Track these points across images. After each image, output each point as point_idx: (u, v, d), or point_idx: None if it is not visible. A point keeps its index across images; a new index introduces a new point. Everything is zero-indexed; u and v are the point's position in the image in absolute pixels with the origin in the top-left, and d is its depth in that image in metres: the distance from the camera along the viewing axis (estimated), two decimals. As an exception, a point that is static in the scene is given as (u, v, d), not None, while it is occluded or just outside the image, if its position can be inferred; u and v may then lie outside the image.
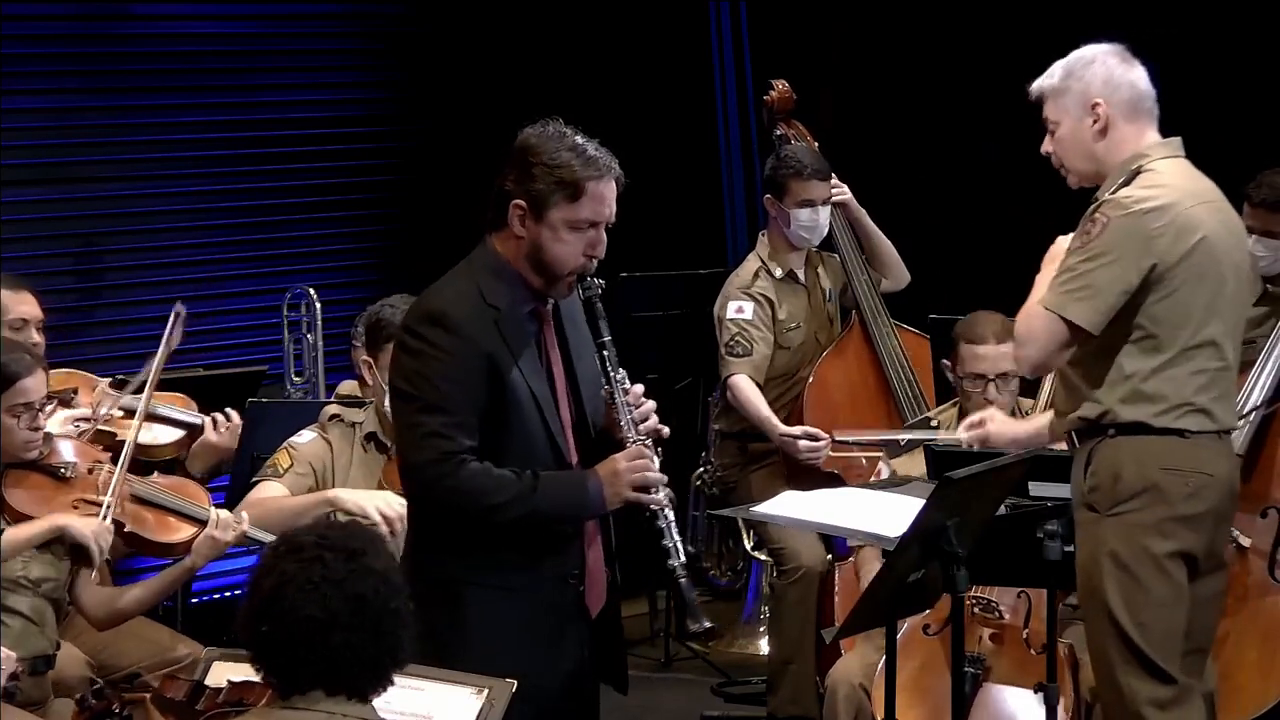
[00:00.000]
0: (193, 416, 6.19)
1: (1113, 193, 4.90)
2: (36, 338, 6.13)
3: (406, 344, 4.42)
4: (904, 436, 6.33)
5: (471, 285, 4.42)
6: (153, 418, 5.99)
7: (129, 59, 8.38)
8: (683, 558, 4.42)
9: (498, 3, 9.19)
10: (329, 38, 9.00)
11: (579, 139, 4.42)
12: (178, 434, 6.17)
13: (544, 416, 4.41)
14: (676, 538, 4.43)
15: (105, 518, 5.46)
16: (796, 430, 6.92)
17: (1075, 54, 5.04)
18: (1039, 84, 5.05)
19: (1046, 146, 5.06)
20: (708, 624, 4.47)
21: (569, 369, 4.51)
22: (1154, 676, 4.86)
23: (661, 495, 4.43)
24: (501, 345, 4.37)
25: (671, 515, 4.45)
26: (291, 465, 5.75)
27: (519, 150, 4.42)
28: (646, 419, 4.48)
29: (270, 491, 5.69)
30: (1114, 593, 4.86)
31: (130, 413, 5.84)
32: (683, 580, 4.41)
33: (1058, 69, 5.04)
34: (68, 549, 5.52)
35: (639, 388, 4.50)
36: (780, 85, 7.40)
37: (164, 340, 5.86)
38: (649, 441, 4.46)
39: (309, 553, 3.34)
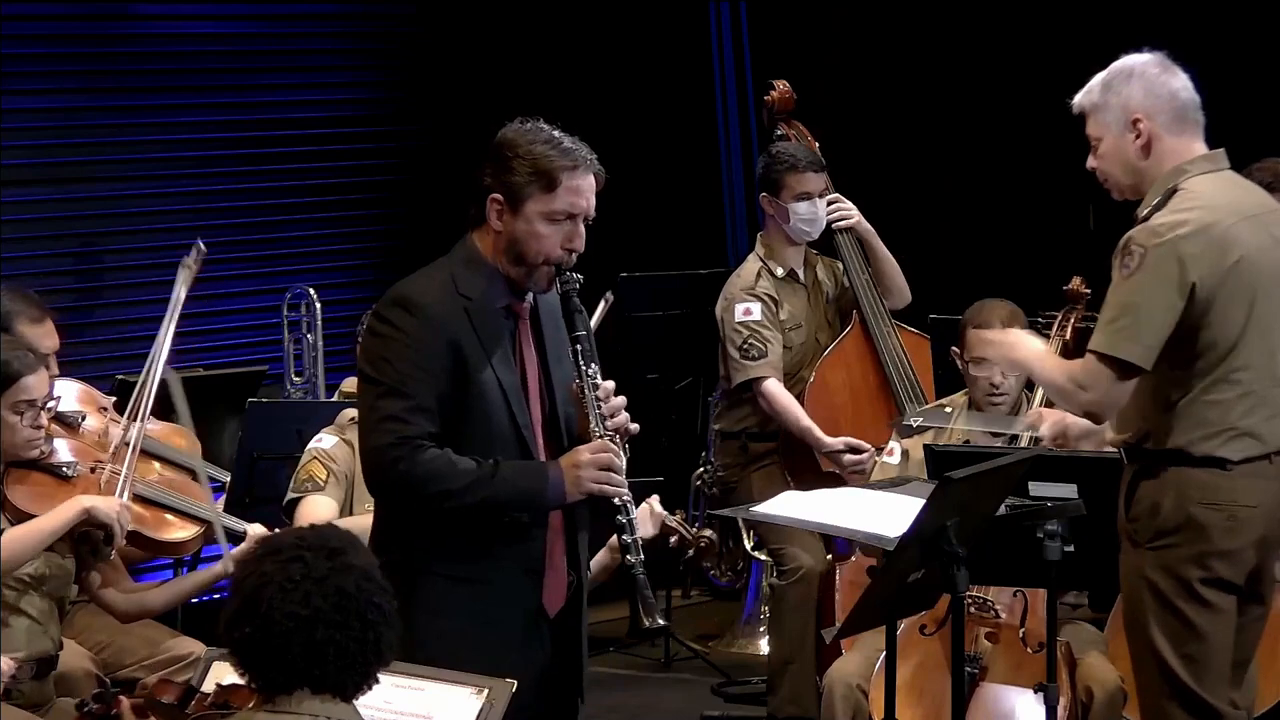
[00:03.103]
0: (192, 461, 5.99)
1: (1146, 217, 4.81)
2: (52, 369, 6.00)
3: (372, 327, 4.43)
4: (916, 420, 6.33)
5: (445, 274, 4.42)
6: (154, 456, 5.90)
7: (129, 59, 8.40)
8: (641, 555, 4.41)
9: (498, 3, 9.20)
10: (329, 38, 9.01)
11: (556, 133, 4.41)
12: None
13: (511, 409, 4.39)
14: (636, 535, 4.43)
15: (123, 494, 5.47)
16: (839, 443, 6.90)
17: (1114, 66, 4.92)
18: (1079, 100, 4.93)
19: (1091, 163, 4.94)
20: (661, 621, 4.46)
21: (544, 370, 4.50)
22: (1195, 711, 4.81)
23: (625, 490, 4.42)
24: (470, 333, 4.36)
25: (634, 512, 4.45)
26: (328, 476, 5.71)
27: (496, 145, 4.42)
28: (615, 414, 4.46)
29: (322, 507, 5.62)
30: (1156, 626, 4.81)
31: (142, 452, 5.76)
32: (640, 576, 4.40)
33: (1097, 84, 4.92)
34: (71, 545, 5.54)
35: (610, 384, 4.47)
36: (781, 85, 7.40)
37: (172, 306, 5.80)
38: (615, 438, 4.44)
39: (288, 553, 3.35)
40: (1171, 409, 4.79)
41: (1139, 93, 4.87)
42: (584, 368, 4.44)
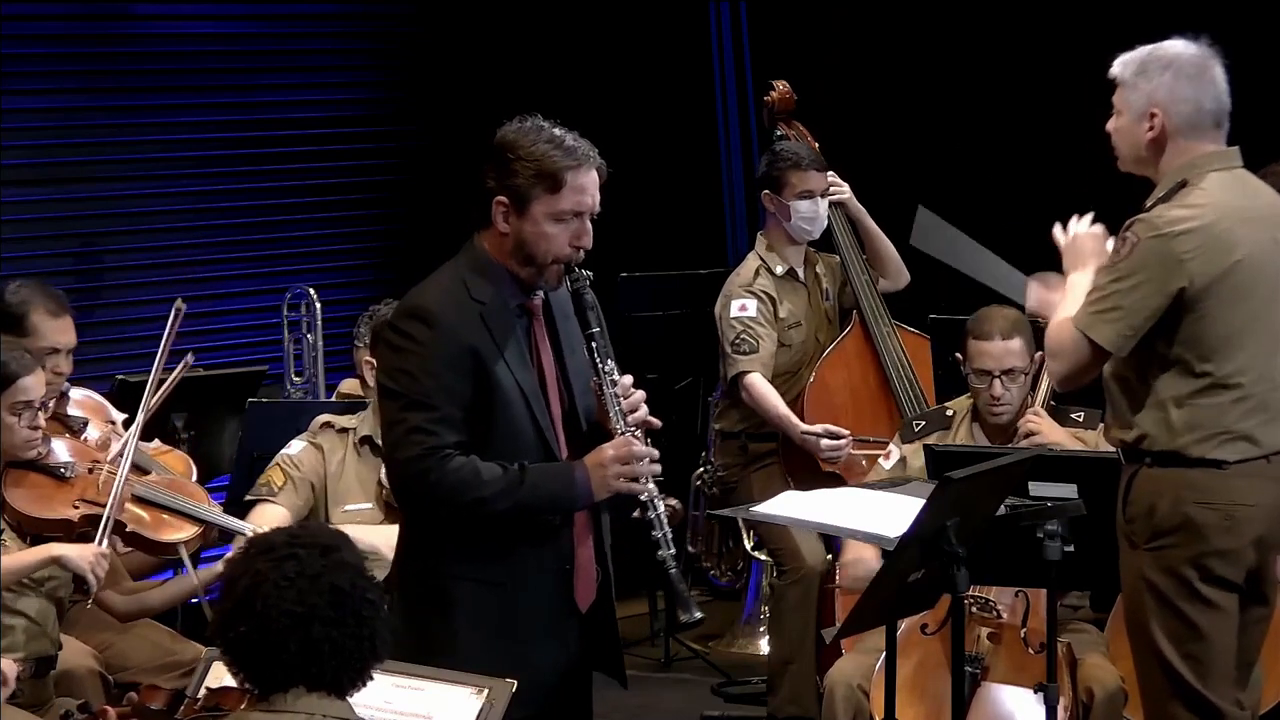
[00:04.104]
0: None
1: (1149, 208, 4.81)
2: (64, 367, 5.92)
3: (390, 340, 4.41)
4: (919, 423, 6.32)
5: (456, 281, 4.41)
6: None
7: (129, 59, 8.39)
8: (673, 549, 4.41)
9: (498, 3, 9.20)
10: (329, 38, 9.01)
11: (557, 130, 4.40)
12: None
13: (531, 410, 4.40)
14: (667, 529, 4.41)
15: (101, 542, 5.41)
16: (818, 429, 6.90)
17: (1158, 49, 4.88)
18: (1117, 66, 4.89)
19: (1109, 125, 4.93)
20: (698, 615, 4.44)
21: (560, 364, 4.50)
22: (1199, 711, 4.81)
23: (652, 486, 4.41)
24: (486, 338, 4.35)
25: (661, 507, 4.43)
26: (286, 483, 5.73)
27: (497, 147, 4.41)
28: (636, 409, 4.46)
29: (269, 516, 5.65)
30: (1157, 627, 4.81)
31: (135, 468, 5.74)
32: (673, 571, 4.40)
33: (1134, 60, 4.88)
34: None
35: (628, 379, 4.48)
36: (781, 86, 7.40)
37: (163, 344, 5.81)
38: (638, 432, 4.44)
39: (281, 551, 3.35)
40: (1166, 410, 4.79)
41: (1165, 88, 4.83)
42: (600, 365, 4.44)
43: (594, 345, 4.45)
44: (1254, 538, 4.81)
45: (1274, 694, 5.73)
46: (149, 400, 5.75)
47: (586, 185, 4.39)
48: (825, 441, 6.88)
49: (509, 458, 4.36)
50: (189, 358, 5.99)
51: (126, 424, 5.93)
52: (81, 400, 5.96)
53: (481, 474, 4.32)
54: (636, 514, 4.45)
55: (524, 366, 4.41)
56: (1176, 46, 4.89)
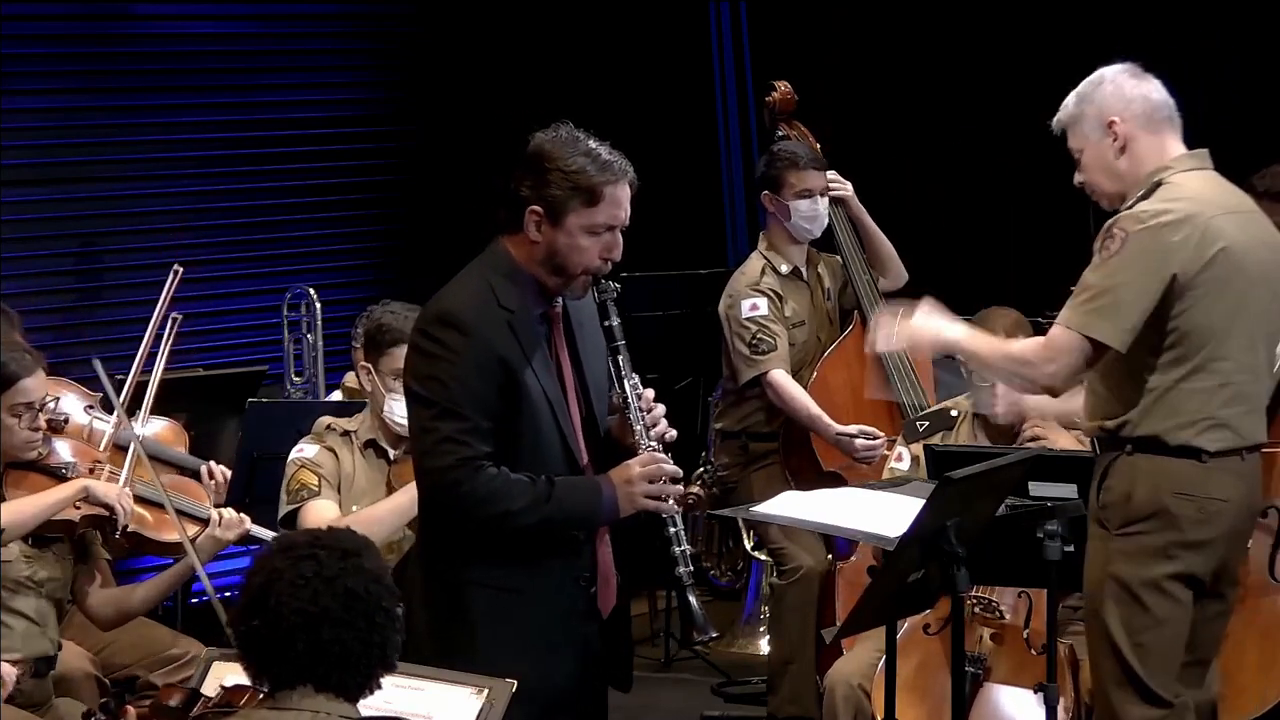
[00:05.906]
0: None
1: (1130, 207, 4.86)
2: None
3: (420, 346, 4.40)
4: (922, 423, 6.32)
5: (484, 287, 4.41)
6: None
7: (129, 59, 8.39)
8: (690, 566, 4.43)
9: (498, 3, 9.20)
10: (329, 38, 9.01)
11: (592, 143, 4.40)
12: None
13: (556, 418, 4.40)
14: (686, 546, 4.43)
15: (124, 484, 5.53)
16: (852, 429, 6.89)
17: (1086, 80, 5.01)
18: (1058, 118, 5.03)
19: (1077, 178, 5.02)
20: (714, 634, 4.50)
21: (578, 372, 4.51)
22: (1146, 699, 4.86)
23: (673, 504, 4.43)
24: (515, 346, 4.36)
25: (681, 523, 4.45)
26: (320, 483, 5.68)
27: (533, 156, 4.39)
28: (657, 423, 4.47)
29: (327, 510, 5.54)
30: (1113, 613, 4.86)
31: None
32: (690, 589, 4.42)
33: (1071, 99, 5.01)
34: (71, 546, 5.56)
35: (650, 392, 4.49)
36: (782, 86, 7.40)
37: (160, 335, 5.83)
38: (660, 447, 4.45)
39: (302, 550, 3.37)
40: (1149, 396, 4.84)
41: (1111, 97, 4.96)
42: (626, 378, 4.45)
43: (619, 359, 4.46)
44: (1224, 532, 4.87)
45: (1275, 694, 5.74)
46: (155, 373, 5.80)
47: (621, 199, 4.40)
48: (860, 442, 6.87)
49: (534, 467, 4.36)
50: (176, 316, 6.03)
51: (104, 404, 5.98)
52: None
53: (511, 487, 4.32)
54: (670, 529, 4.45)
55: (549, 375, 4.42)
56: (1101, 69, 5.02)
